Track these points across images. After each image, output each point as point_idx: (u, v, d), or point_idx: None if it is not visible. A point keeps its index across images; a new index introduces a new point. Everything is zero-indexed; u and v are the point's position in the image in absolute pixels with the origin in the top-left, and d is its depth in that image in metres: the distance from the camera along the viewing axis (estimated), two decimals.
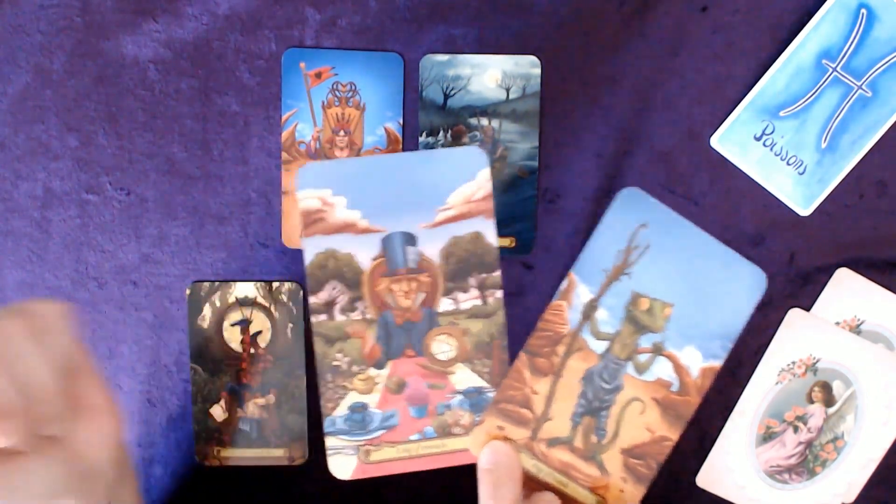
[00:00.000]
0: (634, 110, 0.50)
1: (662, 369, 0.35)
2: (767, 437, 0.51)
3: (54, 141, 0.50)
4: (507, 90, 0.49)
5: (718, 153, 0.50)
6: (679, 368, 0.35)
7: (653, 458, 0.35)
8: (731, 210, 0.50)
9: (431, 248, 0.35)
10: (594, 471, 0.36)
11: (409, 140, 0.50)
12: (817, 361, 0.50)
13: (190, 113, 0.50)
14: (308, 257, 0.34)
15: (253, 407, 0.50)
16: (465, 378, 0.37)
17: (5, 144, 0.50)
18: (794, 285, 0.51)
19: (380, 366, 0.35)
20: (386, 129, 0.49)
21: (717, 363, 0.35)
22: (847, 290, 0.50)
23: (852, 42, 0.48)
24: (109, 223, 0.50)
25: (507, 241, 0.50)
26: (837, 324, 0.50)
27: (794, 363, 0.51)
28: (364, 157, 0.34)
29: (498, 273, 0.36)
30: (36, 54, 0.49)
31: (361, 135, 0.49)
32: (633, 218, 0.35)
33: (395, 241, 0.34)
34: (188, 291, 0.50)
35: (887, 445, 0.51)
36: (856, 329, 0.50)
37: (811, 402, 0.51)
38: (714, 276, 0.35)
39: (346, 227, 0.34)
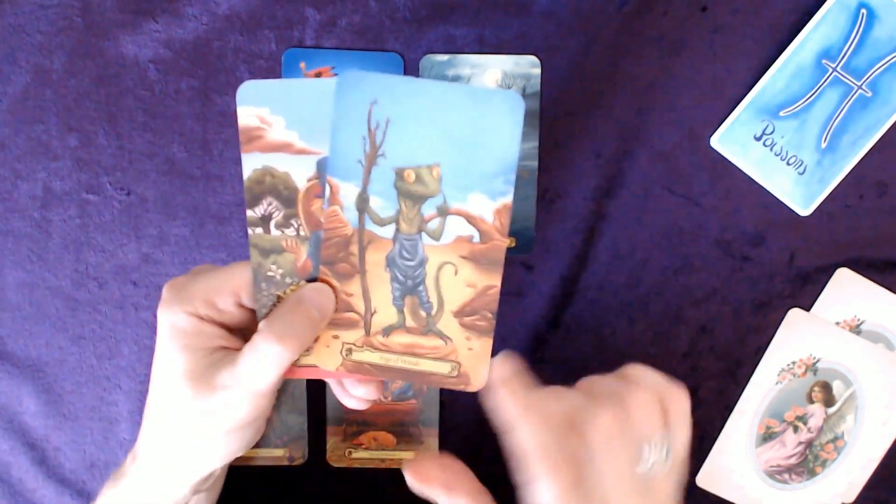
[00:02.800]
0: (634, 110, 0.50)
1: (457, 227, 0.35)
2: (767, 437, 0.51)
3: (54, 141, 0.50)
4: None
5: (718, 153, 0.50)
6: (472, 219, 0.35)
7: (485, 309, 0.36)
8: (731, 210, 0.50)
9: None
10: (437, 341, 0.36)
11: None
12: (817, 361, 0.50)
13: (190, 113, 0.50)
14: (246, 172, 0.35)
15: None
16: None
17: (5, 144, 0.50)
18: (794, 285, 0.51)
19: (310, 279, 0.36)
20: None
21: (507, 199, 0.35)
22: (847, 290, 0.50)
23: (852, 42, 0.48)
24: (109, 223, 0.50)
25: (507, 241, 0.50)
26: (837, 324, 0.50)
27: (794, 363, 0.51)
28: (304, 80, 0.33)
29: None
30: (36, 54, 0.49)
31: None
32: (360, 100, 0.33)
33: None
34: None
35: (887, 445, 0.51)
36: (856, 329, 0.50)
37: (811, 402, 0.51)
38: (468, 119, 0.33)
39: (284, 147, 0.34)
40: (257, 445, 0.51)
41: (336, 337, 0.37)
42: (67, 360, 0.51)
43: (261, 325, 0.36)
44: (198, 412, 0.35)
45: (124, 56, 0.49)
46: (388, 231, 0.35)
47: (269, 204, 0.35)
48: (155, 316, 0.51)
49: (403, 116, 0.34)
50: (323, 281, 0.36)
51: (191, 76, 0.49)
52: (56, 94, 0.49)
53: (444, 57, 0.49)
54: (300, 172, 0.35)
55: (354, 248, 0.35)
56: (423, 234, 0.35)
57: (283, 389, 0.50)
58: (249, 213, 0.35)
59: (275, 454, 0.51)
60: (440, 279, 0.36)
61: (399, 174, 0.34)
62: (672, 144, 0.50)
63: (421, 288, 0.36)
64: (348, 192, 0.35)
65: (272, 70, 0.49)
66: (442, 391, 0.51)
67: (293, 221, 0.35)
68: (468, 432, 0.51)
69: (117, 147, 0.50)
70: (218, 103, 0.49)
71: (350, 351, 0.37)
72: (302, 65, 0.49)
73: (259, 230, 0.36)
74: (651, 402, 0.36)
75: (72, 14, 0.49)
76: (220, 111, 0.50)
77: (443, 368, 0.37)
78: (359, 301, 0.36)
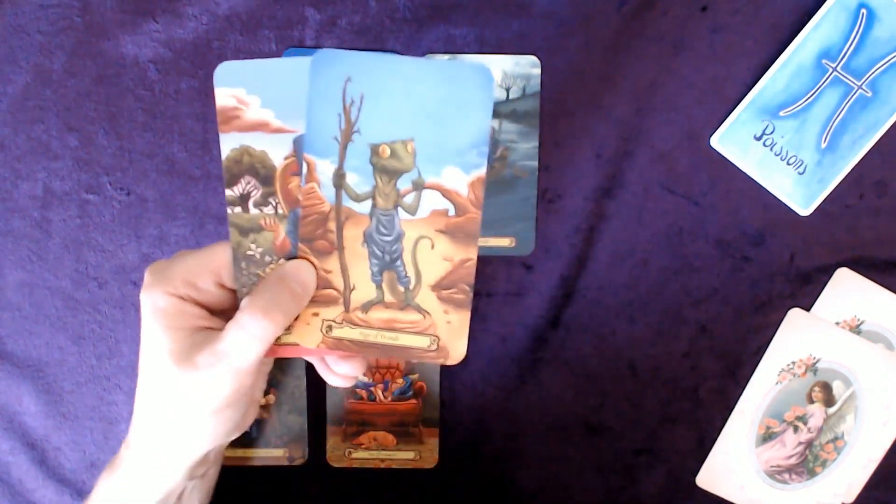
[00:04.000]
0: (634, 110, 0.50)
1: (433, 201, 0.35)
2: (767, 437, 0.51)
3: (54, 141, 0.50)
4: (507, 90, 0.49)
5: (718, 153, 0.50)
6: (447, 193, 0.35)
7: (462, 282, 0.36)
8: (731, 210, 0.50)
9: None
10: (415, 315, 0.37)
11: None
12: (817, 361, 0.50)
13: (190, 113, 0.50)
14: (224, 152, 0.35)
15: None
16: None
17: (5, 144, 0.50)
18: (794, 285, 0.51)
19: (289, 257, 0.37)
20: None
21: (481, 172, 0.35)
22: (847, 290, 0.50)
23: (852, 42, 0.48)
24: (109, 223, 0.50)
25: (507, 241, 0.50)
26: (837, 324, 0.50)
27: (794, 363, 0.51)
28: (279, 59, 0.34)
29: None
30: (36, 54, 0.49)
31: None
32: (335, 77, 0.34)
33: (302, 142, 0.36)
34: None
35: (887, 445, 0.51)
36: (856, 329, 0.50)
37: (811, 402, 0.51)
38: (439, 93, 0.34)
39: (261, 126, 0.35)
40: (257, 445, 0.51)
41: (316, 314, 0.37)
42: (67, 360, 0.51)
43: (244, 301, 0.36)
44: (184, 391, 0.36)
45: (124, 56, 0.49)
46: (364, 207, 0.36)
47: (248, 183, 0.36)
48: None
49: (377, 92, 0.34)
50: (302, 258, 0.36)
51: (191, 76, 0.49)
52: (56, 94, 0.49)
53: (444, 57, 0.49)
54: (277, 151, 0.35)
55: (332, 225, 0.36)
56: (400, 208, 0.36)
57: (282, 389, 0.50)
58: (228, 192, 0.36)
59: (275, 454, 0.51)
60: (417, 253, 0.36)
61: (374, 150, 0.35)
62: (672, 144, 0.50)
63: (398, 263, 0.36)
64: (325, 169, 0.35)
65: None
66: (442, 391, 0.51)
67: (271, 200, 0.36)
68: (468, 432, 0.51)
69: (117, 147, 0.50)
70: None
71: (330, 328, 0.37)
72: None
73: (238, 209, 0.36)
74: None
75: (72, 14, 0.49)
76: None
77: (422, 342, 0.37)
78: (337, 278, 0.36)
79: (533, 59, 0.49)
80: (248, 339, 0.35)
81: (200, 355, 0.35)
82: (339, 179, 0.35)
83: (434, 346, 0.37)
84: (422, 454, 0.51)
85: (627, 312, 0.51)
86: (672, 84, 0.50)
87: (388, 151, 0.35)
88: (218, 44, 0.49)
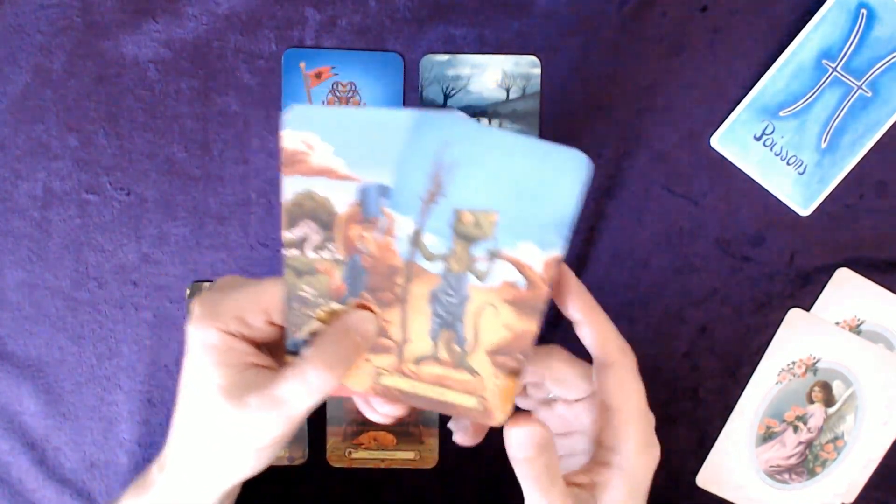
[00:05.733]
0: (634, 110, 0.50)
1: (505, 272, 0.35)
2: (767, 437, 0.51)
3: (54, 141, 0.50)
4: (507, 90, 0.49)
5: (718, 153, 0.50)
6: (521, 267, 0.35)
7: (518, 352, 0.36)
8: (731, 210, 0.50)
9: None
10: (466, 376, 0.37)
11: None
12: (817, 361, 0.50)
13: (190, 113, 0.50)
14: (287, 195, 0.35)
15: None
16: None
17: (5, 144, 0.50)
18: (794, 285, 0.51)
19: (343, 302, 0.37)
20: None
21: (557, 252, 0.35)
22: (847, 290, 0.50)
23: (852, 42, 0.48)
24: (109, 223, 0.50)
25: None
26: (837, 324, 0.50)
27: (794, 363, 0.51)
28: (357, 109, 0.34)
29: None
30: (36, 54, 0.49)
31: None
32: (432, 141, 0.34)
33: (371, 192, 0.35)
34: (188, 291, 0.50)
35: (887, 445, 0.51)
36: (856, 329, 0.50)
37: (811, 402, 0.51)
38: (532, 172, 0.34)
39: (325, 172, 0.35)
40: None
41: (368, 360, 0.37)
42: (67, 360, 0.51)
43: (309, 351, 0.35)
44: (231, 427, 0.35)
45: (124, 56, 0.49)
46: (435, 266, 0.36)
47: (308, 227, 0.36)
48: (155, 316, 0.51)
49: (469, 161, 0.34)
50: (363, 306, 0.36)
51: (191, 76, 0.49)
52: (56, 94, 0.49)
53: (444, 57, 0.49)
54: (341, 198, 0.35)
55: (400, 280, 0.36)
56: (471, 274, 0.35)
57: None
58: (287, 234, 0.36)
59: None
60: (480, 319, 0.36)
61: (458, 216, 0.35)
62: (672, 144, 0.50)
63: (459, 324, 0.36)
64: (404, 226, 0.35)
65: (272, 70, 0.49)
66: None
67: (329, 245, 0.36)
68: None
69: (117, 147, 0.50)
70: (218, 103, 0.49)
71: (380, 375, 0.37)
72: (302, 65, 0.49)
73: (295, 251, 0.36)
74: None
75: (72, 14, 0.49)
76: (220, 111, 0.50)
77: (468, 402, 0.37)
78: (396, 329, 0.36)
79: (533, 59, 0.49)
80: (308, 392, 0.35)
81: (252, 396, 0.35)
82: (416, 238, 0.35)
83: (480, 407, 0.37)
84: (422, 454, 0.51)
85: (627, 312, 0.51)
86: (672, 84, 0.50)
87: (471, 219, 0.35)
88: (218, 44, 0.49)
